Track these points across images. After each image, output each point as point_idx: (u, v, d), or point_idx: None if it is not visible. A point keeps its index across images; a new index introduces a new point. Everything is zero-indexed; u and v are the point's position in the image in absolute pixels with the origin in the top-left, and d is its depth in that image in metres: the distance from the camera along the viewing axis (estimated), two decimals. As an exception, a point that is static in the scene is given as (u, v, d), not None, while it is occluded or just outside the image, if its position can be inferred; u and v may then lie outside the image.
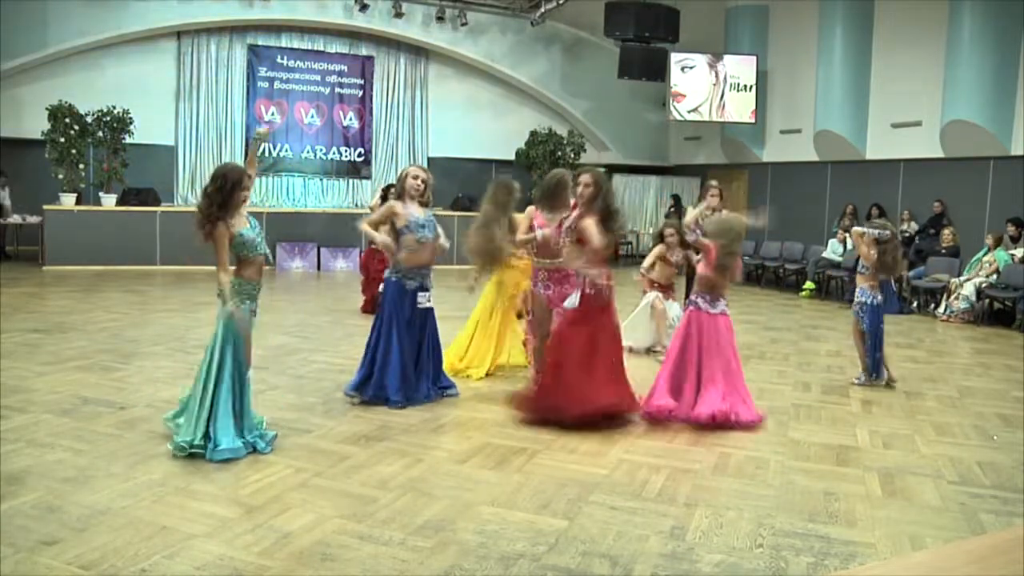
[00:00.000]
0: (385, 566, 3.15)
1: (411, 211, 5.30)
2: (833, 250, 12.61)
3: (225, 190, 4.21)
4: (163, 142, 14.84)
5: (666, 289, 7.62)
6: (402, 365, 5.26)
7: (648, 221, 17.15)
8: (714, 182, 7.51)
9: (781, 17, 15.11)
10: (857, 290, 6.47)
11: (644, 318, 7.52)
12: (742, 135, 15.85)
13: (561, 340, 5.07)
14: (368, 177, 16.32)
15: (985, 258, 10.58)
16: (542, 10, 15.56)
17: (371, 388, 5.31)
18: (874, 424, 5.37)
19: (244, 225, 4.35)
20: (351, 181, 16.41)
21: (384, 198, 8.58)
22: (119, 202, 12.90)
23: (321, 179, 16.22)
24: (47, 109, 12.52)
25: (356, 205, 15.81)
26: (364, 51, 16.29)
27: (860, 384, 6.36)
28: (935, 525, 3.72)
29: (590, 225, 4.96)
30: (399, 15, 15.26)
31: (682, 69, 15.38)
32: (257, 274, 4.44)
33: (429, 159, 16.77)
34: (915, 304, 11.00)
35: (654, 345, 7.43)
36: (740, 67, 15.28)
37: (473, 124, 16.83)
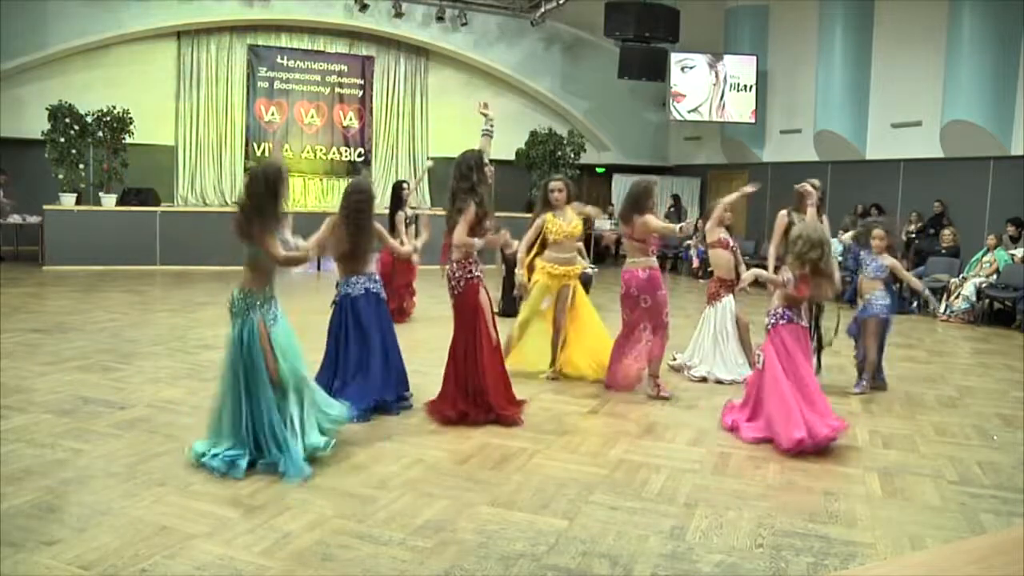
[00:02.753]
0: (385, 566, 3.15)
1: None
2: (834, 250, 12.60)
3: (271, 187, 4.04)
4: (163, 142, 14.85)
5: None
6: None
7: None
8: (816, 181, 6.54)
9: (781, 17, 15.11)
10: (873, 296, 6.25)
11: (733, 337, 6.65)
12: (742, 135, 15.86)
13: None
14: (368, 177, 16.33)
15: (985, 258, 10.58)
16: (542, 10, 15.57)
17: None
18: (874, 424, 5.37)
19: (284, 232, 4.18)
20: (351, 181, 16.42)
21: (396, 195, 8.37)
22: (119, 202, 12.90)
23: (321, 179, 16.22)
24: (47, 109, 12.52)
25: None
26: (364, 51, 16.30)
27: (861, 392, 6.18)
28: (935, 525, 3.72)
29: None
30: (399, 15, 15.27)
31: (682, 69, 15.39)
32: (261, 283, 4.24)
33: (429, 159, 16.77)
34: (915, 304, 11.00)
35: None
36: (740, 67, 15.28)
37: (473, 124, 16.64)
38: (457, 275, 5.05)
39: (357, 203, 5.13)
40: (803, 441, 4.55)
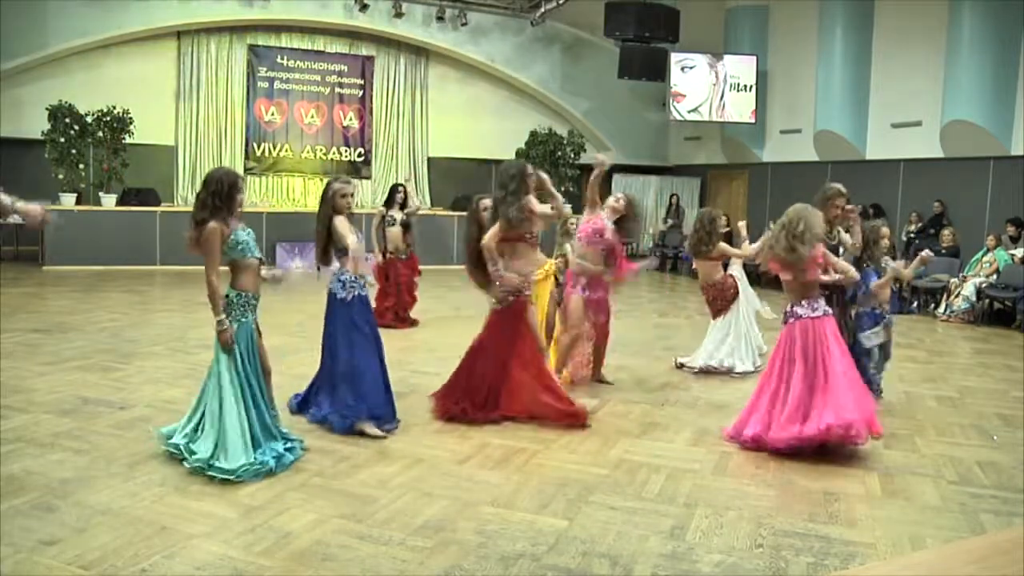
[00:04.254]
0: (385, 566, 3.16)
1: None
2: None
3: (222, 193, 4.02)
4: (163, 142, 14.84)
5: None
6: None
7: (648, 221, 17.14)
8: (840, 187, 6.07)
9: (781, 17, 15.11)
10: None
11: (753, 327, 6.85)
12: (742, 135, 15.85)
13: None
14: (368, 177, 16.29)
15: (985, 258, 10.58)
16: (542, 10, 15.56)
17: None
18: (874, 424, 5.36)
19: (239, 227, 4.15)
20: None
21: (390, 196, 8.52)
22: (119, 202, 12.90)
23: (321, 179, 16.20)
24: (47, 109, 12.53)
25: (357, 205, 15.79)
26: (364, 51, 16.28)
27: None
28: (935, 525, 3.73)
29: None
30: (399, 15, 15.26)
31: (682, 69, 15.38)
32: (253, 284, 4.22)
33: (429, 159, 16.78)
34: (915, 304, 11.00)
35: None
36: (740, 67, 15.28)
37: (473, 124, 16.83)
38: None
39: (321, 195, 4.94)
40: (756, 439, 4.65)
